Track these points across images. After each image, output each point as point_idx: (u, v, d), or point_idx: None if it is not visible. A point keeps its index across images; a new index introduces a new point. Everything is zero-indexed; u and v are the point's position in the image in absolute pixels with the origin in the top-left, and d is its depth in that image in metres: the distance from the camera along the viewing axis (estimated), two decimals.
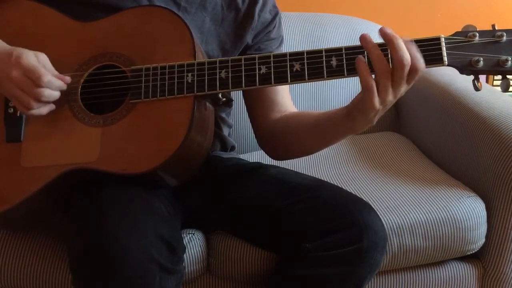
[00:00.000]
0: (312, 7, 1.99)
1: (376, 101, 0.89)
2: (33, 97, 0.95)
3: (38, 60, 0.96)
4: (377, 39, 0.89)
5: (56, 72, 0.98)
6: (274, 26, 1.22)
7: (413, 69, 0.87)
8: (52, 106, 0.98)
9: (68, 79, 0.99)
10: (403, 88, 0.89)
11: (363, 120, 0.94)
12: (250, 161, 1.33)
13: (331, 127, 1.03)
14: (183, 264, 1.01)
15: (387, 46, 0.88)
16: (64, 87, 0.98)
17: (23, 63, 0.94)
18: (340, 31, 1.73)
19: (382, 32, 0.88)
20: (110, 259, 0.86)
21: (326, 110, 1.07)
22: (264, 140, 1.21)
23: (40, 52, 0.98)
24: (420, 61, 0.87)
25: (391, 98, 0.90)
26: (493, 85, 1.89)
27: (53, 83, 0.96)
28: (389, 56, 0.88)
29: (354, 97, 0.94)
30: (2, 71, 0.95)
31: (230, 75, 0.95)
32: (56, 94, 0.98)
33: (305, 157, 1.27)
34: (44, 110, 0.98)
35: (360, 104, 0.92)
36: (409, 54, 0.87)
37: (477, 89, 0.91)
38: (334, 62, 0.92)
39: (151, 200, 0.96)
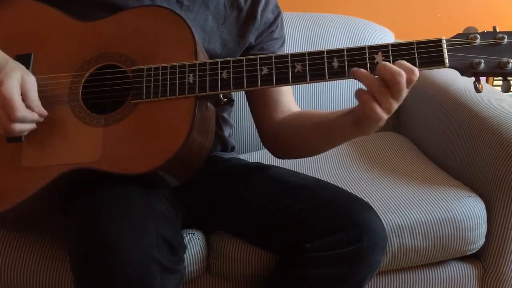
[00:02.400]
0: (313, 7, 1.99)
1: (380, 111, 0.88)
2: (5, 129, 0.94)
3: (22, 86, 0.93)
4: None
5: (36, 102, 0.95)
6: (277, 26, 1.22)
7: (409, 79, 0.87)
8: (33, 127, 0.96)
9: (44, 113, 0.96)
10: (404, 94, 0.89)
11: (373, 126, 0.94)
12: (250, 161, 1.33)
13: (338, 131, 1.02)
14: (184, 264, 1.01)
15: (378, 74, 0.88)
16: (40, 119, 0.96)
17: (2, 92, 0.91)
18: (341, 31, 1.73)
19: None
20: (111, 259, 0.86)
21: (331, 111, 1.06)
22: (268, 140, 1.21)
23: (28, 74, 0.95)
24: (415, 71, 0.87)
25: (394, 105, 0.89)
26: (493, 85, 1.89)
27: (27, 118, 0.94)
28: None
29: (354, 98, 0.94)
30: None
31: (231, 75, 0.95)
32: (28, 127, 0.95)
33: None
34: (23, 132, 0.96)
35: (364, 117, 0.91)
36: (401, 67, 0.87)
37: (478, 91, 0.91)
38: (335, 63, 0.92)
39: (151, 200, 0.97)
